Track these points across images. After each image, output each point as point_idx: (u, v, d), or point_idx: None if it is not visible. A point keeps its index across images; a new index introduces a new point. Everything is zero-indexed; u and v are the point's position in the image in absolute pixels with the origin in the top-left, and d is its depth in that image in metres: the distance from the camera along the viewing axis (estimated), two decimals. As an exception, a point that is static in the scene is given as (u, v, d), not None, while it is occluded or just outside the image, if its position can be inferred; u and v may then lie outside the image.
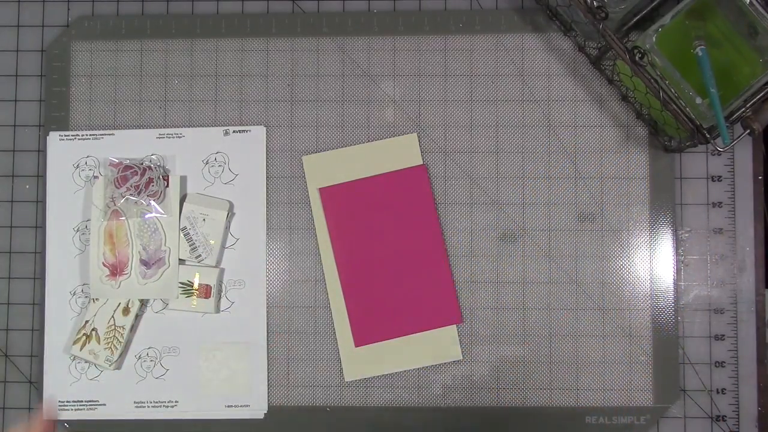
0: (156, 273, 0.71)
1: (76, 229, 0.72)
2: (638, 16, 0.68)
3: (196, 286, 0.70)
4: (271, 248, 0.72)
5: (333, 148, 0.72)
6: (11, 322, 0.73)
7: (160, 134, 0.73)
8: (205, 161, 0.72)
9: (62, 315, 0.72)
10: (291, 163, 0.73)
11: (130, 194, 0.70)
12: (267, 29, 0.74)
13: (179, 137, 0.73)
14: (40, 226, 0.73)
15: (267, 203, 0.72)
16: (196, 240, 0.71)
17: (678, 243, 0.71)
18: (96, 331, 0.70)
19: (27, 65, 0.75)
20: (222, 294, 0.71)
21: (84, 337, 0.70)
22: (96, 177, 0.72)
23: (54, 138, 0.73)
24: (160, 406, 0.71)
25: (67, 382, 0.71)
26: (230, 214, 0.72)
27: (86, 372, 0.71)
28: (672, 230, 0.71)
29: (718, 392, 0.70)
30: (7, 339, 0.73)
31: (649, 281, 0.70)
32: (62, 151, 0.73)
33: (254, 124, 0.73)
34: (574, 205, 0.71)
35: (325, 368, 0.71)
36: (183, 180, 0.72)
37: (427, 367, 0.71)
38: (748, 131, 0.62)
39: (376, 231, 0.71)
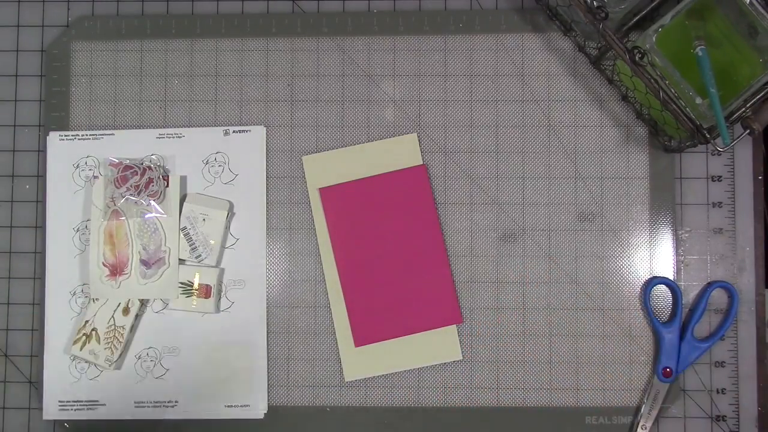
0: (156, 273, 0.71)
1: (76, 229, 0.72)
2: (638, 16, 0.68)
3: (196, 286, 0.70)
4: (271, 248, 0.72)
5: (333, 148, 0.73)
6: (11, 322, 0.73)
7: (160, 134, 0.73)
8: (205, 161, 0.72)
9: (62, 315, 0.72)
10: (291, 163, 0.73)
11: (130, 194, 0.70)
12: (267, 29, 0.74)
13: (179, 137, 0.73)
14: (40, 226, 0.73)
15: (267, 203, 0.72)
16: (196, 240, 0.71)
17: (678, 243, 0.71)
18: (96, 331, 0.70)
19: (27, 65, 0.75)
20: (222, 294, 0.71)
21: (84, 337, 0.70)
22: (96, 177, 0.72)
23: (54, 138, 0.73)
24: (160, 406, 0.71)
25: (67, 382, 0.71)
26: (230, 214, 0.72)
27: (86, 372, 0.71)
28: (672, 230, 0.71)
29: (718, 392, 0.70)
30: (7, 339, 0.73)
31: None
32: (62, 151, 0.73)
33: (254, 124, 0.73)
34: (574, 205, 0.71)
35: (325, 368, 0.71)
36: (183, 180, 0.72)
37: (427, 367, 0.71)
38: (748, 131, 0.62)
39: (376, 231, 0.71)
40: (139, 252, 0.71)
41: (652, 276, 0.70)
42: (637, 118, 0.71)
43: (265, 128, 0.73)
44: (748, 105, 0.62)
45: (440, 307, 0.70)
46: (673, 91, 0.61)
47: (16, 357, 0.73)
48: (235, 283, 0.71)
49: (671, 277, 0.70)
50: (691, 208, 0.71)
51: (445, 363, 0.70)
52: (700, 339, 0.69)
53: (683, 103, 0.61)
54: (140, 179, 0.71)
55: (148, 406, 0.71)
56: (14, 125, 0.74)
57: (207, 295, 0.70)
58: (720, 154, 0.71)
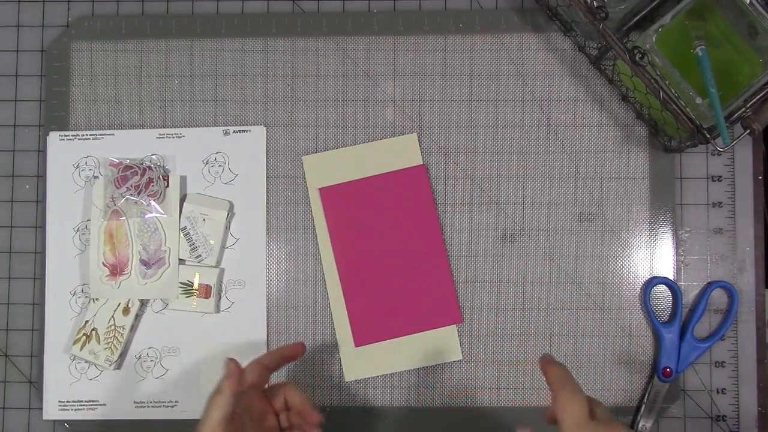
0: (156, 273, 0.71)
1: (76, 229, 0.72)
2: (638, 16, 0.68)
3: (196, 286, 0.70)
4: (271, 248, 0.72)
5: (333, 148, 0.73)
6: (11, 322, 0.73)
7: (160, 134, 0.73)
8: (205, 161, 0.72)
9: (62, 315, 0.72)
10: (291, 163, 0.73)
11: (130, 194, 0.70)
12: (267, 29, 0.74)
13: (179, 137, 0.73)
14: (40, 226, 0.73)
15: (267, 203, 0.72)
16: (196, 240, 0.71)
17: (678, 243, 0.71)
18: (96, 331, 0.70)
19: (27, 65, 0.75)
20: (222, 294, 0.71)
21: (84, 337, 0.70)
22: (96, 177, 0.72)
23: (54, 138, 0.73)
24: (160, 406, 0.71)
25: (67, 382, 0.71)
26: (230, 214, 0.72)
27: (86, 372, 0.71)
28: (672, 230, 0.71)
29: (718, 392, 0.70)
30: (7, 339, 0.73)
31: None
32: (62, 151, 0.73)
33: (254, 124, 0.73)
34: (574, 205, 0.71)
35: (325, 368, 0.71)
36: (183, 180, 0.72)
37: (427, 367, 0.71)
38: (748, 131, 0.62)
39: (376, 231, 0.71)
40: (139, 252, 0.71)
41: (652, 276, 0.70)
42: (637, 118, 0.71)
43: (265, 128, 0.73)
44: (748, 105, 0.62)
45: (440, 307, 0.70)
46: (673, 91, 0.61)
47: (16, 357, 0.73)
48: (235, 284, 0.71)
49: (671, 277, 0.70)
50: (691, 208, 0.71)
51: (445, 363, 0.70)
52: (700, 339, 0.69)
53: (683, 103, 0.61)
54: (140, 179, 0.71)
55: (148, 406, 0.71)
56: (14, 125, 0.74)
57: (207, 295, 0.70)
58: (720, 154, 0.71)
